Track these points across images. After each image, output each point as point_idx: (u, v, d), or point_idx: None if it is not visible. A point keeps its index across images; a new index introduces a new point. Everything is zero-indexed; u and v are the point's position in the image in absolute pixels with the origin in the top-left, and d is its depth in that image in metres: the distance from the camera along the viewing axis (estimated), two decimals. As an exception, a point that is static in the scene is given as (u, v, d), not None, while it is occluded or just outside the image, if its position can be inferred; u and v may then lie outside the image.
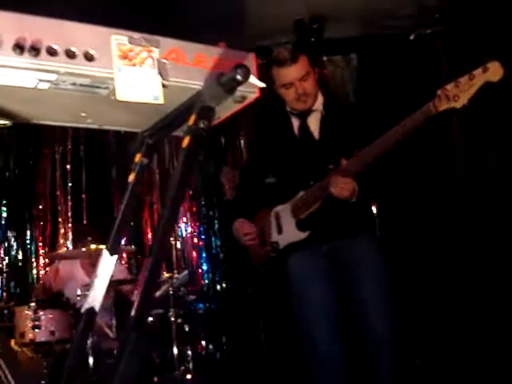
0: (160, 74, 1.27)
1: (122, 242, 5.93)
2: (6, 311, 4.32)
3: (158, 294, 4.81)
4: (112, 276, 4.21)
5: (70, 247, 5.70)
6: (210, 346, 4.99)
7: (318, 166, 2.79)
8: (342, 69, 5.69)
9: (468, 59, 5.25)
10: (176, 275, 4.76)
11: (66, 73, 1.20)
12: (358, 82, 5.63)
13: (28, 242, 5.82)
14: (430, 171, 5.14)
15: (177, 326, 4.37)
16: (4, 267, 5.70)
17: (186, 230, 5.87)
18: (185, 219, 5.88)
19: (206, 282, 5.71)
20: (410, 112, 2.54)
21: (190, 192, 5.86)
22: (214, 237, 5.81)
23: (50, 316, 4.21)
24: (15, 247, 5.79)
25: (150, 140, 1.50)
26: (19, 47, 1.13)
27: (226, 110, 1.46)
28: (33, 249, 5.83)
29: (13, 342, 4.15)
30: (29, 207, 5.88)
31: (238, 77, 1.23)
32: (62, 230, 5.87)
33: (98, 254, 3.48)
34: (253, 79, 1.29)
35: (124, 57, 1.25)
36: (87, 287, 3.60)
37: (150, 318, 4.53)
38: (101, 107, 1.39)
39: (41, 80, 1.22)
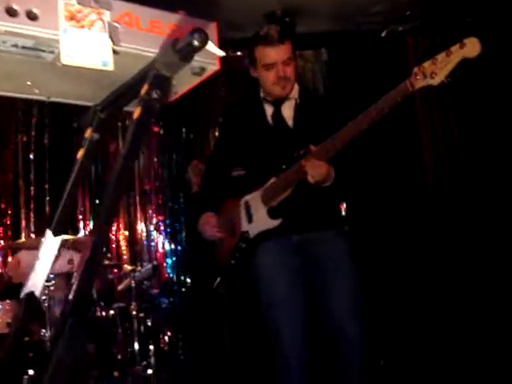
0: (111, 38, 1.18)
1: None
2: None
3: (120, 287, 4.71)
4: (73, 267, 4.06)
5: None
6: (173, 341, 4.90)
7: (290, 153, 2.71)
8: (312, 63, 5.66)
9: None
10: (139, 268, 4.68)
11: (5, 32, 1.10)
12: (328, 77, 5.60)
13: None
14: (396, 158, 5.12)
15: (139, 320, 4.28)
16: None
17: (151, 223, 5.76)
18: (150, 212, 5.77)
19: (171, 275, 5.61)
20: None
21: (156, 184, 5.77)
22: (179, 229, 5.72)
23: (7, 307, 4.10)
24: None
25: (101, 114, 1.40)
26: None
27: (184, 83, 1.37)
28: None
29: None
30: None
31: (195, 42, 1.14)
32: (24, 221, 5.72)
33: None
34: (211, 46, 1.20)
35: (71, 18, 1.15)
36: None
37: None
38: (47, 75, 1.29)
39: (-22, 40, 1.12)
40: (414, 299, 4.78)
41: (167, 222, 5.75)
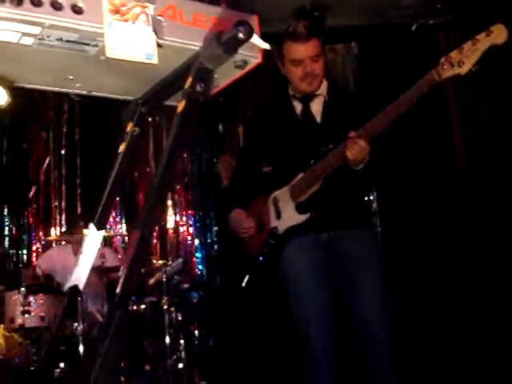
0: (155, 31, 1.17)
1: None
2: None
3: (151, 281, 4.75)
4: (104, 262, 4.12)
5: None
6: (204, 335, 4.91)
7: (318, 148, 2.70)
8: (343, 57, 5.61)
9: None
10: (170, 263, 4.69)
11: (51, 25, 1.10)
12: (358, 71, 5.55)
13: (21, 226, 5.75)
14: (427, 151, 5.06)
15: (170, 315, 4.29)
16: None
17: (181, 218, 5.78)
18: (180, 206, 5.79)
19: (201, 270, 5.63)
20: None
21: (186, 179, 5.79)
22: (209, 225, 5.73)
23: (41, 301, 4.16)
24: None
25: (143, 108, 1.40)
26: (0, -4, 1.03)
27: (225, 76, 1.37)
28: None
29: (2, 328, 4.09)
30: (23, 192, 5.79)
31: (240, 35, 1.13)
32: (56, 216, 5.79)
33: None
34: (256, 39, 1.18)
35: (115, 11, 1.15)
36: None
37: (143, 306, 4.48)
38: (89, 69, 1.29)
39: (24, 34, 1.12)
40: (443, 295, 4.72)
41: (197, 216, 5.77)
